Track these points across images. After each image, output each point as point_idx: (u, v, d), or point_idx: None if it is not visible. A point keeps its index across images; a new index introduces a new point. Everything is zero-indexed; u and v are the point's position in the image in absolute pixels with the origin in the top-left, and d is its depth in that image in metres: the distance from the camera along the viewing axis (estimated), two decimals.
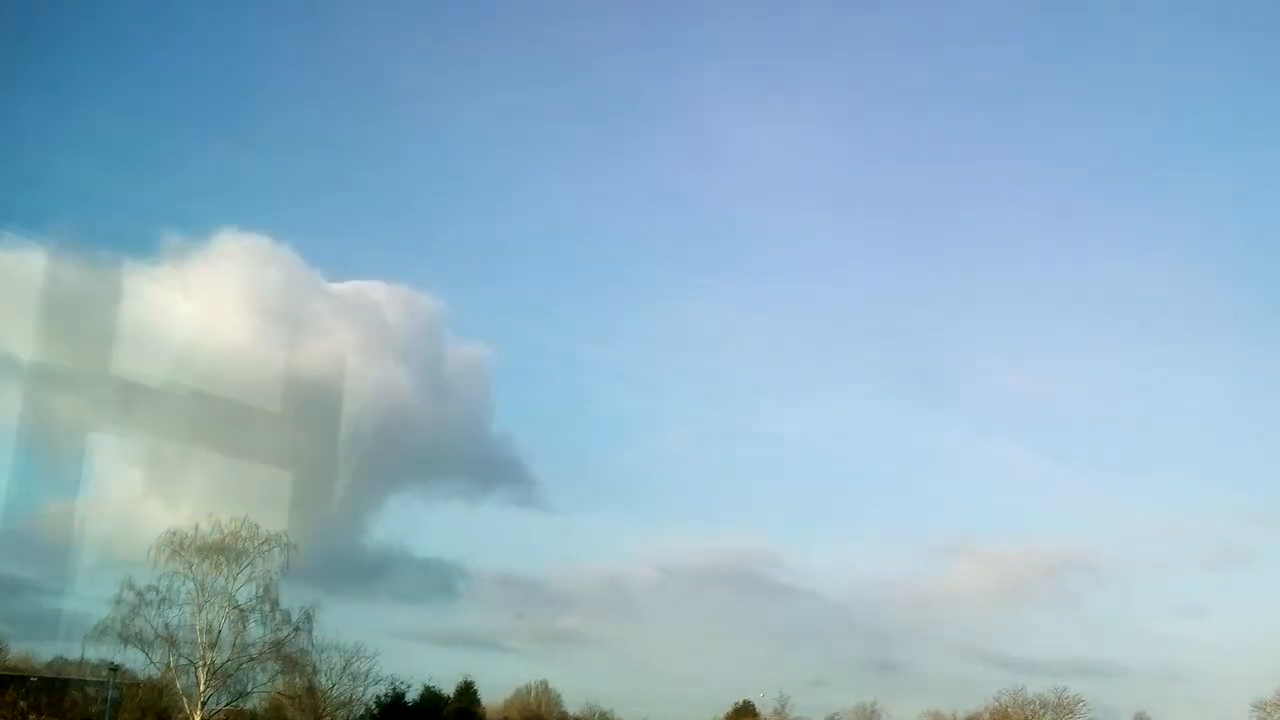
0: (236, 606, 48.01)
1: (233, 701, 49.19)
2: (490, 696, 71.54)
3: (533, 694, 76.47)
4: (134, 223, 70.37)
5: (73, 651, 53.28)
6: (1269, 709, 68.66)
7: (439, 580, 73.01)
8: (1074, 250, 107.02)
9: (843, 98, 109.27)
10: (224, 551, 48.09)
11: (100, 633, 46.32)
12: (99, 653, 48.26)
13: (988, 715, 73.06)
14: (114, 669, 49.07)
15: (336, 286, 64.52)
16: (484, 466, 75.75)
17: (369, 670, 55.30)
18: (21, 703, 48.28)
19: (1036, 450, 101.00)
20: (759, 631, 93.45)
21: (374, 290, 68.33)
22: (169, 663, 47.44)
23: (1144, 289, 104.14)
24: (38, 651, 60.87)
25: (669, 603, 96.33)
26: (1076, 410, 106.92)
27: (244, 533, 48.44)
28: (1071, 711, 71.98)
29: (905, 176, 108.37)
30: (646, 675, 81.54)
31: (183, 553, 47.41)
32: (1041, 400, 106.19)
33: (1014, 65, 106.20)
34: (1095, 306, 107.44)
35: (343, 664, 54.22)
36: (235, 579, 48.16)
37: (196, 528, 47.74)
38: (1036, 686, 72.40)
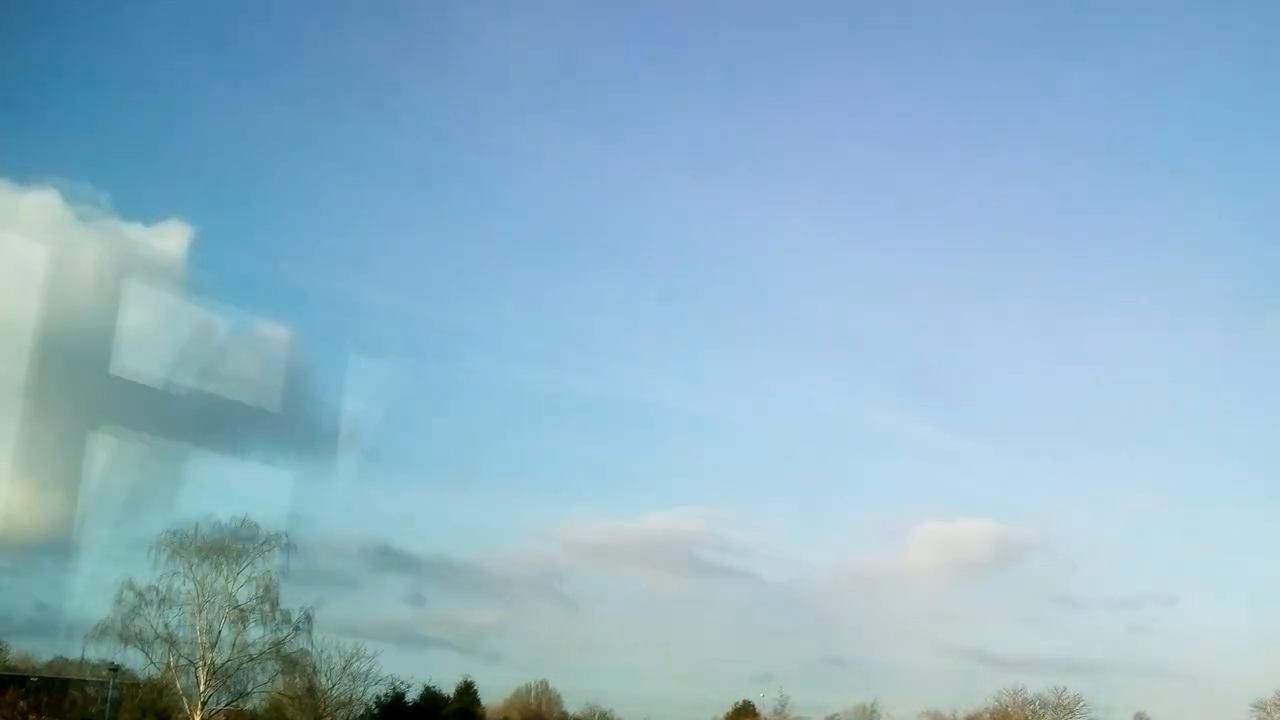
0: (236, 606, 48.01)
1: (233, 701, 49.21)
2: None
3: (533, 694, 76.52)
4: None
5: (73, 651, 53.50)
6: (1269, 709, 68.64)
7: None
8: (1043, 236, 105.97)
9: (840, 94, 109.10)
10: (224, 551, 48.11)
11: (100, 633, 46.27)
12: (99, 653, 48.43)
13: (988, 715, 73.12)
14: (114, 669, 49.19)
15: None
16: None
17: (369, 670, 55.48)
18: (21, 703, 48.45)
19: (1006, 435, 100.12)
20: (704, 619, 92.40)
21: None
22: (169, 663, 47.39)
23: (1132, 277, 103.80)
24: (38, 651, 61.15)
25: (598, 588, 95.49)
26: (1054, 396, 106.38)
27: (244, 532, 48.55)
28: (1071, 711, 72.08)
29: (903, 172, 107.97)
30: (581, 666, 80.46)
31: (183, 553, 47.49)
32: (1017, 388, 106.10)
33: (1017, 61, 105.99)
34: (1086, 300, 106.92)
35: (343, 664, 54.42)
36: (235, 579, 48.22)
37: (196, 528, 47.85)
38: (1003, 678, 73.14)
